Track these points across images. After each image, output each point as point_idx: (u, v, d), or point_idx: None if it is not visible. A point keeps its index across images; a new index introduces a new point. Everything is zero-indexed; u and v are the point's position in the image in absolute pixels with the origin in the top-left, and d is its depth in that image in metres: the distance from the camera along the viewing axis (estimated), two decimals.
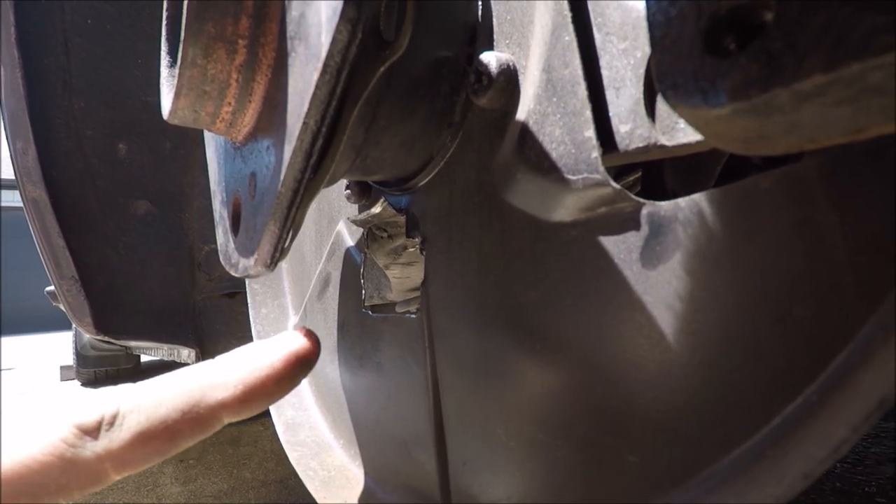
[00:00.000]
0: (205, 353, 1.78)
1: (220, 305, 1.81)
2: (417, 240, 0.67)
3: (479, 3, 0.56)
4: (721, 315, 0.38)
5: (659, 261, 0.41)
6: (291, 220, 0.48)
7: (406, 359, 0.71)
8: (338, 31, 0.37)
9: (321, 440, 0.92)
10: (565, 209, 0.47)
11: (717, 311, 0.38)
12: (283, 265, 1.14)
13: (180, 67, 0.49)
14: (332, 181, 0.70)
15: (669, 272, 0.40)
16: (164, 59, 0.61)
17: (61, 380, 5.22)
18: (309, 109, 0.40)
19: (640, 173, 0.59)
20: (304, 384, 1.01)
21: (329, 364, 0.91)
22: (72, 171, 1.56)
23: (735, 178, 0.40)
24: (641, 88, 0.41)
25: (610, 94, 0.43)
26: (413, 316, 0.69)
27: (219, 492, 2.09)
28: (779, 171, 0.35)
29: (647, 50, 0.40)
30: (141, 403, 0.40)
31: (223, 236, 0.62)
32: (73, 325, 4.19)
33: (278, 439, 0.94)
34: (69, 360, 4.81)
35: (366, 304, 0.79)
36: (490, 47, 0.55)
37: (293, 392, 1.01)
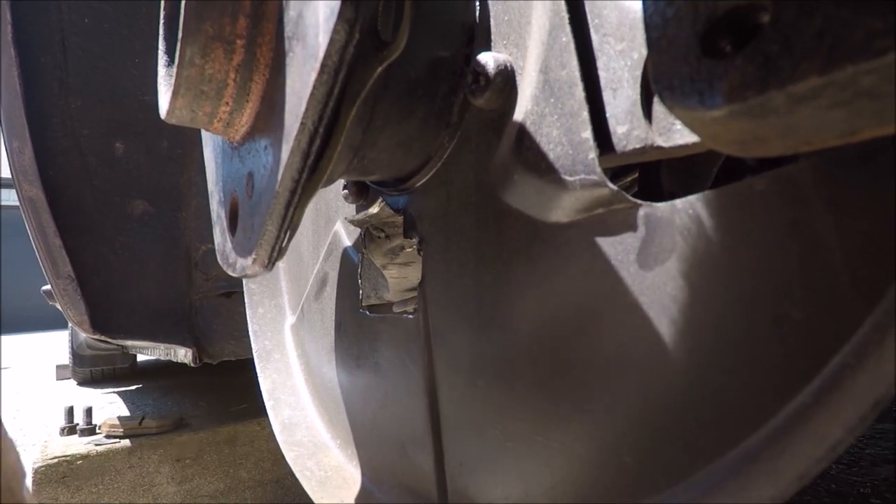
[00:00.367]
0: (201, 352, 1.78)
1: (217, 305, 1.81)
2: (415, 240, 0.67)
3: (477, 3, 0.56)
4: (717, 316, 0.38)
5: (655, 262, 0.41)
6: (289, 220, 0.48)
7: (403, 359, 0.71)
8: (335, 31, 0.37)
9: (318, 440, 0.92)
10: (562, 210, 0.47)
11: (713, 312, 0.38)
12: (281, 265, 1.14)
13: (178, 67, 0.49)
14: (330, 181, 0.70)
15: (666, 273, 0.41)
16: (162, 59, 0.61)
17: (57, 379, 5.20)
18: (306, 109, 0.40)
19: (636, 174, 0.59)
20: (302, 384, 1.01)
21: (326, 364, 0.91)
22: (68, 171, 1.55)
23: (732, 179, 0.40)
24: (638, 90, 0.41)
25: (607, 96, 0.43)
26: (410, 316, 0.69)
27: (215, 491, 2.08)
28: (773, 172, 0.35)
29: (644, 51, 0.40)
30: None
31: (221, 236, 0.62)
32: (70, 324, 4.17)
33: (274, 439, 0.94)
34: (65, 359, 4.79)
35: (363, 304, 0.79)
36: (488, 48, 0.55)
37: (290, 391, 1.01)
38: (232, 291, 1.79)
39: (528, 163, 0.47)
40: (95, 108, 1.60)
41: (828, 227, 0.33)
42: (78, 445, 1.90)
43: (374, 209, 0.69)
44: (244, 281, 1.15)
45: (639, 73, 0.41)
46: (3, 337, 10.70)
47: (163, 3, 0.55)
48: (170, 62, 0.60)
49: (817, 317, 0.33)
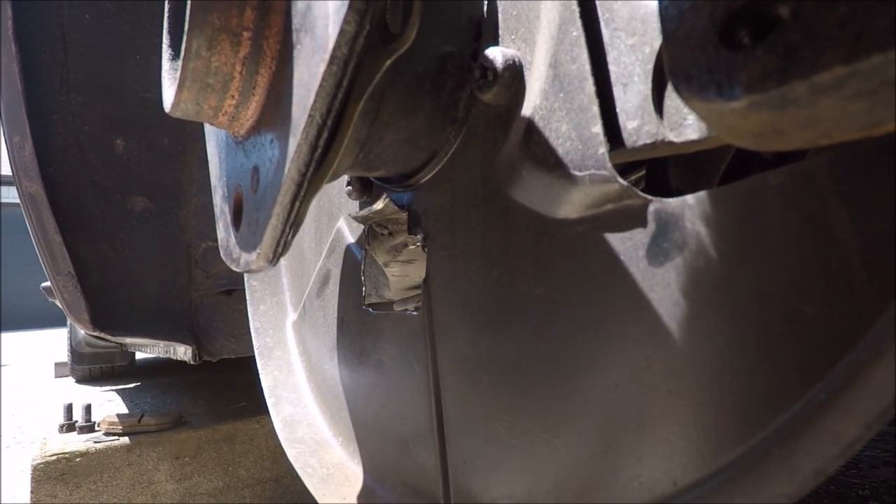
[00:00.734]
0: (201, 350, 1.78)
1: (217, 302, 1.81)
2: (419, 236, 0.66)
3: None
4: (729, 313, 0.38)
5: (666, 258, 0.41)
6: (294, 215, 0.47)
7: (407, 356, 0.70)
8: (346, 21, 0.36)
9: (320, 437, 0.91)
10: (571, 206, 0.46)
11: (725, 308, 0.38)
12: (283, 262, 1.14)
13: (184, 59, 0.48)
14: (335, 176, 0.70)
15: (676, 269, 0.40)
16: (166, 53, 0.60)
17: (56, 376, 5.20)
18: (315, 101, 0.40)
19: (644, 171, 0.59)
20: (303, 381, 1.00)
21: (328, 361, 0.91)
22: (69, 167, 1.55)
23: (739, 176, 0.40)
24: (650, 84, 0.40)
25: (617, 90, 0.43)
26: (414, 313, 0.69)
27: (214, 489, 2.08)
28: (788, 167, 0.35)
29: (656, 46, 0.40)
30: None
31: (224, 231, 0.61)
32: (68, 322, 4.17)
33: (274, 437, 0.93)
34: (64, 356, 4.78)
35: (366, 301, 0.79)
36: (495, 43, 0.55)
37: (292, 389, 1.00)
38: (232, 289, 1.78)
39: (537, 158, 0.47)
40: (96, 105, 1.60)
41: (844, 222, 0.33)
42: (77, 443, 1.89)
43: (379, 205, 0.69)
44: (246, 278, 1.15)
45: (650, 67, 0.40)
46: (2, 334, 10.69)
47: None
48: (174, 56, 0.59)
49: (832, 313, 0.33)
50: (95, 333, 1.58)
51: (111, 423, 1.99)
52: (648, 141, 0.40)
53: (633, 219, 0.43)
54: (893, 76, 0.21)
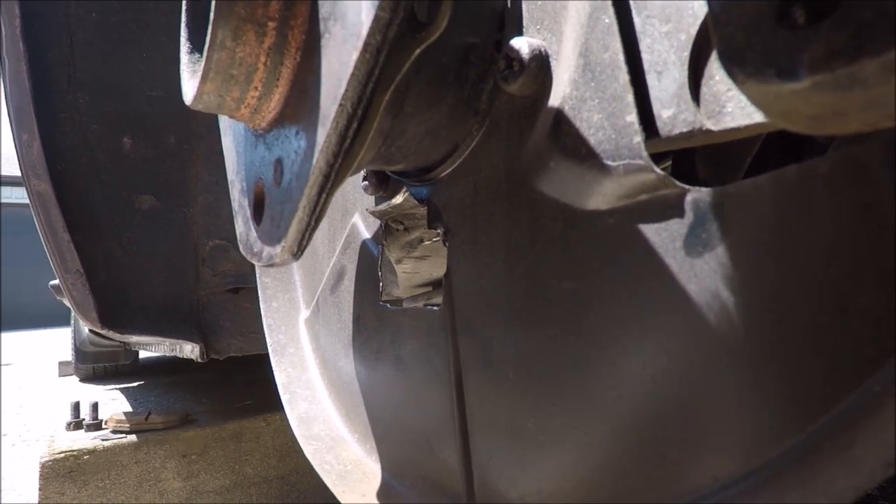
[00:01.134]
0: (208, 348, 1.77)
1: (225, 301, 1.80)
2: (439, 231, 0.66)
3: None
4: (774, 304, 0.37)
5: (705, 248, 0.40)
6: (321, 206, 0.47)
7: (427, 352, 0.69)
8: (380, 7, 0.36)
9: (335, 434, 0.91)
10: (602, 196, 0.46)
11: (769, 299, 0.37)
12: None
13: (208, 50, 0.47)
14: (357, 170, 0.69)
15: (716, 260, 0.39)
16: (185, 46, 0.59)
17: (60, 375, 5.20)
18: (346, 90, 0.39)
19: (669, 162, 0.58)
20: (317, 378, 1.00)
21: (343, 358, 0.90)
22: (77, 165, 1.55)
23: (761, 170, 0.39)
24: (686, 72, 0.40)
25: (651, 79, 0.42)
26: (434, 308, 0.68)
27: (220, 487, 2.07)
28: (838, 154, 0.34)
29: (692, 32, 0.39)
30: None
31: (243, 225, 0.61)
32: (72, 321, 4.17)
33: (280, 436, 0.93)
34: (68, 355, 4.79)
35: (383, 298, 0.78)
36: (519, 33, 0.54)
37: (306, 385, 1.00)
38: (239, 287, 1.78)
39: (567, 149, 0.46)
40: (104, 104, 1.60)
41: None
42: (85, 440, 1.89)
43: (398, 199, 0.68)
44: (258, 275, 1.14)
45: (686, 54, 0.40)
46: (4, 334, 10.70)
47: None
48: (192, 49, 0.59)
49: (887, 304, 0.32)
50: (104, 331, 1.58)
51: (118, 422, 1.99)
52: (685, 129, 0.39)
53: (669, 209, 0.42)
54: None
